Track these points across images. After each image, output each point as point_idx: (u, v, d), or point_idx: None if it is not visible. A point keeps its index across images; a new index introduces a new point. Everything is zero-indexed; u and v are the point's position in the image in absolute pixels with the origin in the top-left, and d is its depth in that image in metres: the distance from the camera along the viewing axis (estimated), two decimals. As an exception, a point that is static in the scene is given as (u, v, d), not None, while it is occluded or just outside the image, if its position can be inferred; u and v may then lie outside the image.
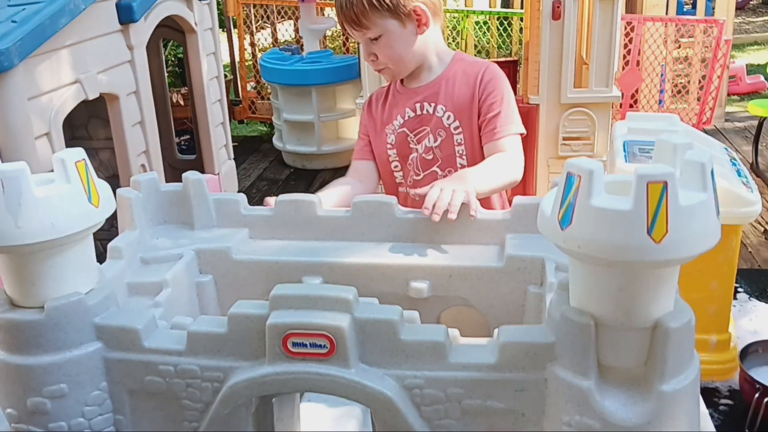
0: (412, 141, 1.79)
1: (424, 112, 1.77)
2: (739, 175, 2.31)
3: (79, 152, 0.98)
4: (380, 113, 1.84)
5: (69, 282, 1.01)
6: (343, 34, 1.77)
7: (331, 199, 1.63)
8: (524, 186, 3.99)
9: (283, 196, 1.42)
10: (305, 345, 0.94)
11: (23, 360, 1.00)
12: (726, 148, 2.61)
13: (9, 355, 1.01)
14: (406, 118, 1.79)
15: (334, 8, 6.36)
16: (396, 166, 1.84)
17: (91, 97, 2.10)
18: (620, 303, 0.85)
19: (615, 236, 0.78)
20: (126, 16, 2.28)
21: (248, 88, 5.97)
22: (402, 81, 1.82)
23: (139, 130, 2.41)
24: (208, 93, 2.97)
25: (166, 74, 3.34)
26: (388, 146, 1.82)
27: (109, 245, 1.29)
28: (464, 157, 1.76)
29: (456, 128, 1.75)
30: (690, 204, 0.78)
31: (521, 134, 1.74)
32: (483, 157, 1.74)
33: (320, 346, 0.94)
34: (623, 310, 0.85)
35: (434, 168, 1.79)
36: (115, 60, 2.27)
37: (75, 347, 1.01)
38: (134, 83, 2.36)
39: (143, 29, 2.41)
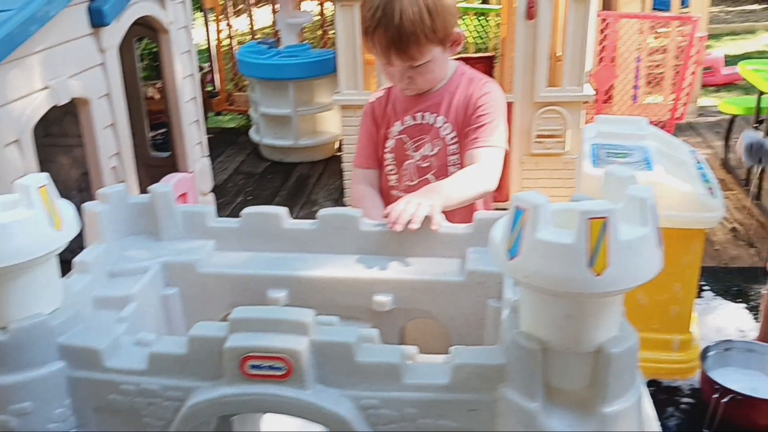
0: (410, 148, 1.81)
1: (425, 121, 1.80)
2: (704, 179, 2.36)
3: (42, 177, 1.00)
4: (381, 118, 1.86)
5: (33, 303, 1.03)
6: (384, 58, 1.67)
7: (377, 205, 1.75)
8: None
9: (250, 208, 1.43)
10: (263, 368, 0.97)
11: (-13, 379, 1.02)
12: (693, 151, 2.66)
13: (-26, 375, 1.03)
14: (406, 125, 1.81)
15: (311, 1, 6.34)
16: (392, 170, 1.86)
17: (62, 103, 2.09)
18: (567, 329, 0.88)
19: (558, 269, 0.81)
20: (97, 20, 2.25)
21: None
22: None
23: (110, 133, 2.40)
24: (183, 91, 2.96)
25: (139, 72, 3.32)
26: (386, 150, 1.84)
27: (75, 259, 1.30)
28: (457, 166, 1.79)
29: (452, 139, 1.78)
30: (630, 238, 0.81)
31: (504, 150, 1.76)
32: None
33: (277, 368, 0.96)
34: (570, 336, 0.88)
35: (429, 175, 1.82)
36: (86, 64, 2.24)
37: (39, 366, 1.04)
38: (106, 86, 2.34)
39: (115, 32, 2.40)
